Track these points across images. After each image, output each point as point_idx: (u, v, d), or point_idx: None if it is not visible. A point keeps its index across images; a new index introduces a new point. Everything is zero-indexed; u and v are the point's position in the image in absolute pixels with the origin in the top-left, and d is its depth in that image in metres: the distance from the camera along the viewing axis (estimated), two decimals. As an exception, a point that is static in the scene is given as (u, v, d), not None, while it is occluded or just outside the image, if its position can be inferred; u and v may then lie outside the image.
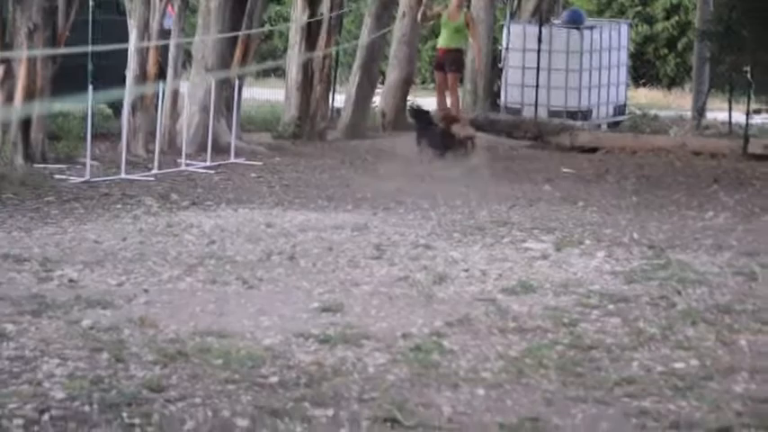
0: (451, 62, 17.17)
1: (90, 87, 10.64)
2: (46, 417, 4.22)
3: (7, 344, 5.16)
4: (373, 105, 17.34)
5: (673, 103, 24.62)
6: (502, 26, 18.87)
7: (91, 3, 12.74)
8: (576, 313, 6.11)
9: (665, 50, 28.62)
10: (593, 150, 15.63)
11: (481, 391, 4.72)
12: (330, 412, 4.38)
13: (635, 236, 8.72)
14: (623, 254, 7.92)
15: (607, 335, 5.69)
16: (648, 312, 6.18)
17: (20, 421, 4.15)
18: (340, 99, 17.25)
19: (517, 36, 18.29)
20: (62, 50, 11.34)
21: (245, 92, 15.52)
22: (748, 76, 15.66)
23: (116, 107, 14.47)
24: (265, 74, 23.43)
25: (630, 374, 4.98)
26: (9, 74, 11.35)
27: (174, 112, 13.11)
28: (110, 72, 12.43)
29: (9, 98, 11.35)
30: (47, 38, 11.36)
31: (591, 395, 4.69)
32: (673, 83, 28.10)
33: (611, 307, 6.28)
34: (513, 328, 5.75)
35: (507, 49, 18.48)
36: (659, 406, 4.55)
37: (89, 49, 11.43)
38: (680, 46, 28.11)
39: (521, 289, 6.65)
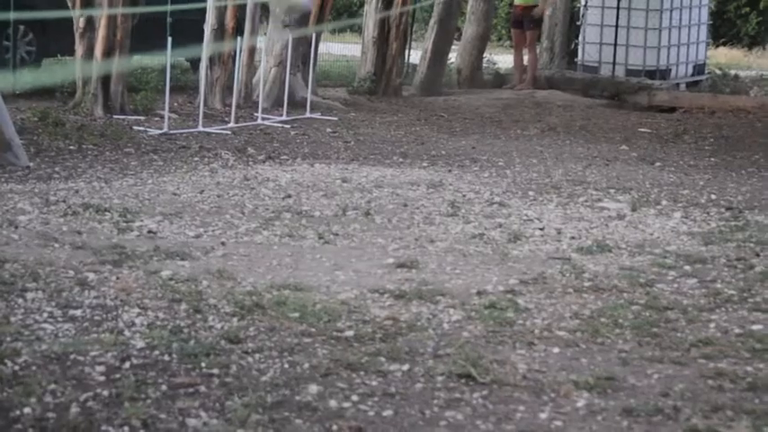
0: (530, 19, 17.08)
1: (169, 40, 10.71)
2: (127, 365, 4.29)
3: (89, 292, 5.24)
4: (449, 62, 17.27)
5: (753, 62, 24.25)
6: (581, -17, 18.67)
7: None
8: (653, 274, 6.07)
9: (747, 9, 28.13)
10: (672, 110, 15.45)
11: (556, 350, 4.71)
12: (405, 367, 4.41)
13: (713, 197, 8.63)
14: (700, 215, 7.84)
15: (684, 296, 5.65)
16: (726, 274, 6.13)
17: (102, 368, 4.23)
18: (416, 55, 17.21)
19: (596, -7, 18.10)
20: (139, 9, 11.42)
21: (321, 47, 15.54)
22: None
23: (194, 60, 14.57)
24: (341, 28, 23.43)
25: (707, 336, 4.95)
26: (90, 26, 11.48)
27: (251, 67, 13.18)
28: (188, 25, 12.51)
29: (89, 50, 11.48)
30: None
31: (667, 356, 4.66)
32: (754, 42, 27.63)
33: (687, 268, 6.23)
34: (589, 288, 5.73)
35: (586, 6, 18.29)
36: (736, 368, 4.52)
37: (167, 8, 11.50)
38: (762, 4, 27.59)
39: (596, 248, 6.62)
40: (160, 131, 10.62)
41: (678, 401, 4.13)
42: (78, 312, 4.94)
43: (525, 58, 17.40)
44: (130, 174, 8.57)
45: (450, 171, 9.42)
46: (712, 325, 5.15)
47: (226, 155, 9.66)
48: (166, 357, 4.39)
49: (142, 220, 6.85)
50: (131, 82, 12.60)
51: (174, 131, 10.70)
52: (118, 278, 5.52)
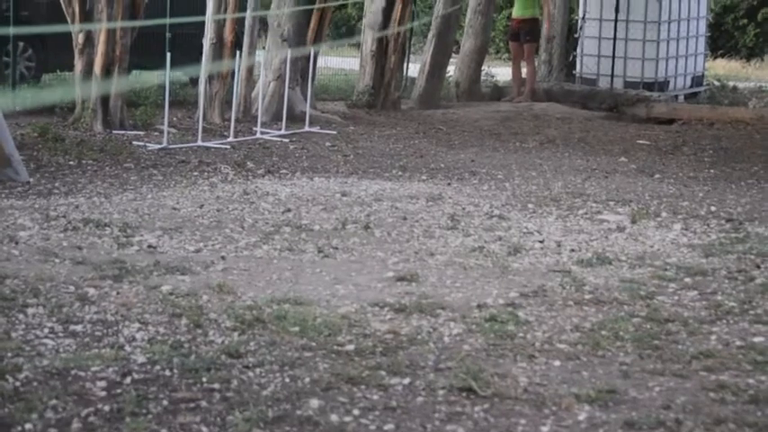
0: (527, 32, 17.12)
1: (168, 55, 10.72)
2: (128, 380, 4.29)
3: (89, 308, 5.24)
4: (448, 75, 17.30)
5: (752, 74, 24.30)
6: (578, -5, 18.71)
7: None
8: (653, 286, 6.07)
9: (745, 21, 28.18)
10: (670, 122, 15.48)
11: (557, 363, 4.71)
12: (406, 381, 4.40)
13: (712, 209, 8.63)
14: (700, 227, 7.85)
15: (684, 308, 5.65)
16: (726, 286, 6.13)
17: (103, 384, 4.22)
18: (414, 68, 17.23)
19: (594, 5, 18.14)
20: (139, 23, 11.44)
21: (320, 60, 15.57)
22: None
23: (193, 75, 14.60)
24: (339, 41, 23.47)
25: (708, 348, 4.94)
26: (89, 41, 11.49)
27: (250, 81, 13.19)
28: (187, 40, 12.53)
29: (89, 66, 11.49)
30: (126, 6, 11.46)
31: (668, 368, 4.66)
32: (752, 54, 27.69)
33: (688, 280, 6.23)
34: (589, 300, 5.73)
35: (584, 18, 18.33)
36: (738, 380, 4.51)
37: (167, 21, 11.52)
38: (760, 16, 27.66)
39: (596, 261, 6.61)
40: (159, 146, 10.62)
41: (680, 414, 4.13)
42: (79, 328, 4.94)
43: (523, 71, 17.43)
44: (130, 189, 8.57)
45: (449, 184, 9.42)
46: (713, 337, 5.15)
47: (225, 169, 9.66)
48: (167, 372, 4.39)
49: (142, 235, 6.85)
50: (130, 97, 12.61)
51: (174, 146, 10.71)
52: (118, 293, 5.52)
